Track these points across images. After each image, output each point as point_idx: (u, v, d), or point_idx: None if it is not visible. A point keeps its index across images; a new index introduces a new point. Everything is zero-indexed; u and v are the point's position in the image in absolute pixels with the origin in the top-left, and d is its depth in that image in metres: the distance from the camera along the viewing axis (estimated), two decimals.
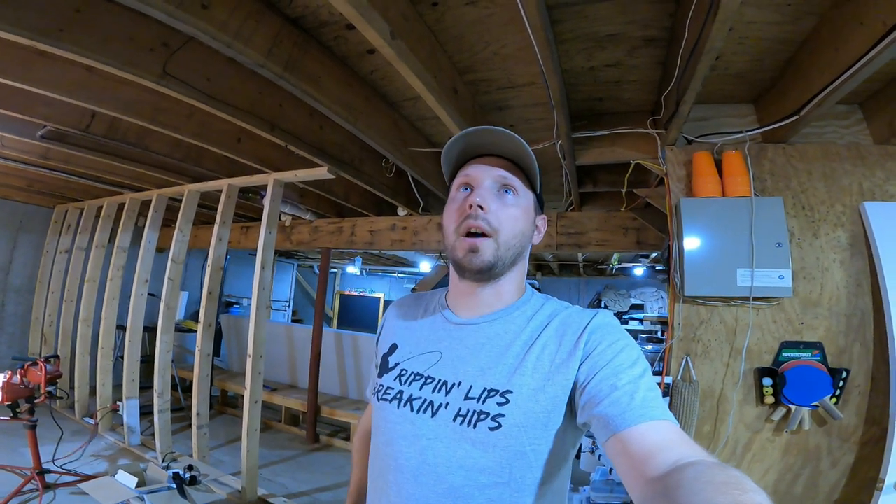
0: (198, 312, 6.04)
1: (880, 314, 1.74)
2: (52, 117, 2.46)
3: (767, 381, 1.83)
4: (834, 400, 1.76)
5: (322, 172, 2.80)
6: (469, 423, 0.69)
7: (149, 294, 3.99)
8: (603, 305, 6.40)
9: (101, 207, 4.33)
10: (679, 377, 1.92)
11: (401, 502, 0.71)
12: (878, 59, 1.26)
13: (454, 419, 0.70)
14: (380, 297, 9.44)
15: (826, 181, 1.87)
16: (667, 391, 1.92)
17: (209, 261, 3.26)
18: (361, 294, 9.26)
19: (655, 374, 1.98)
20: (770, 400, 1.81)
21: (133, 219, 4.21)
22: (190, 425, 3.31)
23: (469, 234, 0.74)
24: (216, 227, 3.27)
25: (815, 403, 1.74)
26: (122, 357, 4.53)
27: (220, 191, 3.53)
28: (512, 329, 0.76)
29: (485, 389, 0.71)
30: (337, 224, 4.16)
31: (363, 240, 3.98)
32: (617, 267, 5.22)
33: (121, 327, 4.27)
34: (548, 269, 7.17)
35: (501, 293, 0.79)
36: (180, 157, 2.99)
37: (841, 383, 1.76)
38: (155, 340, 3.62)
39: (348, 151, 2.84)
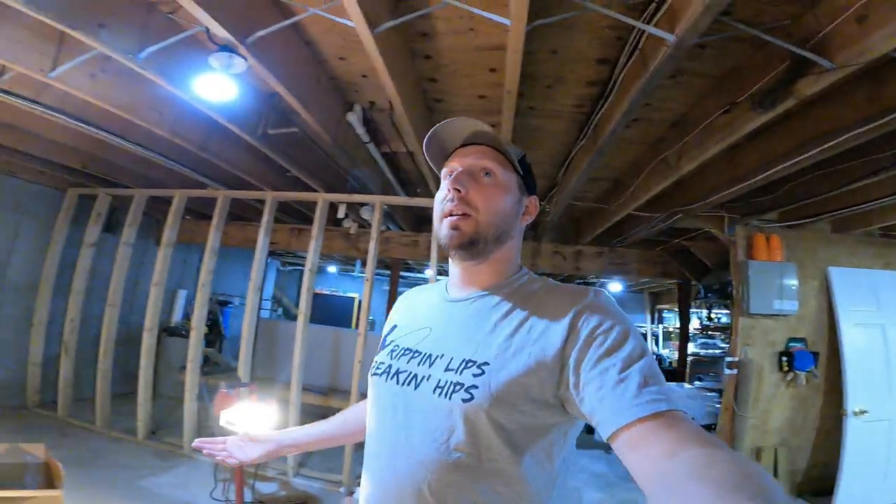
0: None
1: (833, 325, 3.74)
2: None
3: (784, 359, 3.70)
4: (814, 368, 3.71)
5: None
6: (445, 395, 0.74)
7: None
8: None
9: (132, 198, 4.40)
10: (743, 358, 3.68)
11: (382, 474, 0.80)
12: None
13: (434, 391, 0.76)
14: (354, 297, 9.85)
15: (811, 254, 3.84)
16: (737, 366, 3.66)
17: (309, 265, 3.94)
18: (333, 293, 9.50)
19: (729, 366, 3.71)
20: (786, 368, 3.68)
21: (179, 217, 4.36)
22: None
23: (451, 216, 0.83)
24: (314, 234, 3.98)
25: (809, 369, 3.67)
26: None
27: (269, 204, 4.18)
28: (499, 304, 0.83)
29: (463, 360, 0.77)
30: (412, 238, 5.03)
31: (442, 255, 4.94)
32: (599, 281, 7.14)
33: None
34: None
35: (492, 271, 0.87)
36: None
37: (816, 359, 3.73)
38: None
39: None
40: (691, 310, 5.56)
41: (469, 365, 0.75)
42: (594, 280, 6.93)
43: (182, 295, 5.74)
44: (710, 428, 4.19)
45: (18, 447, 2.67)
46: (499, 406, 0.71)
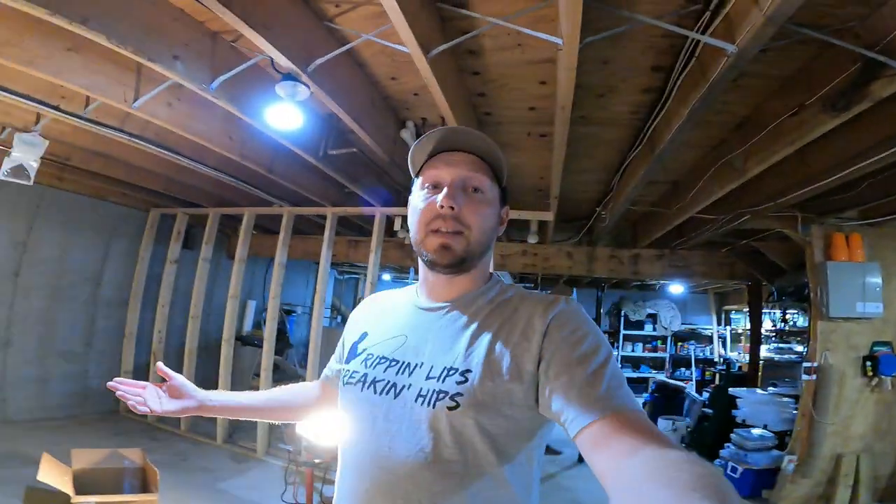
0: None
1: None
2: None
3: (868, 364, 3.48)
4: None
5: (548, 215, 3.85)
6: (429, 403, 0.75)
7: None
8: (623, 314, 8.21)
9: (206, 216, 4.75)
10: (823, 363, 3.50)
11: (365, 486, 0.77)
12: None
13: (416, 399, 0.77)
14: None
15: (894, 251, 3.59)
16: (816, 372, 3.48)
17: (370, 278, 4.13)
18: None
19: (808, 371, 3.53)
20: (870, 373, 3.46)
21: (249, 233, 4.65)
22: None
23: (441, 231, 0.81)
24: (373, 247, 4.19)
25: (894, 374, 3.43)
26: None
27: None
28: (476, 312, 0.84)
29: (445, 368, 0.77)
30: None
31: (495, 262, 5.01)
32: (659, 283, 6.98)
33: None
34: (573, 282, 8.43)
35: (468, 280, 0.87)
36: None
37: None
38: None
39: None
40: (763, 311, 5.29)
41: (451, 373, 0.76)
42: (654, 283, 6.73)
43: (252, 305, 6.09)
44: (786, 435, 4.00)
45: (118, 452, 2.93)
46: (484, 412, 0.73)
